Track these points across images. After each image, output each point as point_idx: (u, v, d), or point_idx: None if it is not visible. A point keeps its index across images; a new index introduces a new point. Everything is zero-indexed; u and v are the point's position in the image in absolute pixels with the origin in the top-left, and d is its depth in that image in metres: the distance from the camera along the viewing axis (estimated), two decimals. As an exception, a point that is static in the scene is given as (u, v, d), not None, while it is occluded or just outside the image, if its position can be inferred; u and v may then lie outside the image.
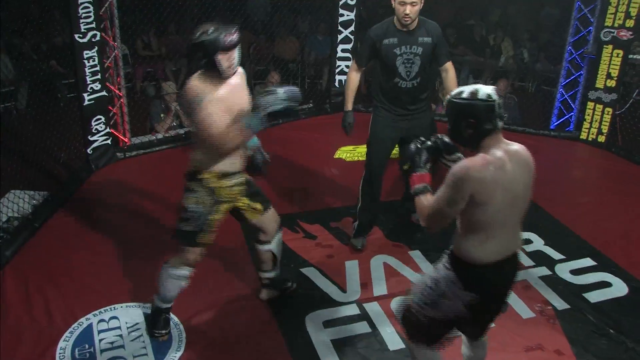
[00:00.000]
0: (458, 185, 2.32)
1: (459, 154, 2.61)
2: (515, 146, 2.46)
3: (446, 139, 2.61)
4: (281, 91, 2.97)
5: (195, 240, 3.19)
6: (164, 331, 3.41)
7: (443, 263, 2.61)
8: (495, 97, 2.38)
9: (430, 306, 2.58)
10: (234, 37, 2.94)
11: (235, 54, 2.99)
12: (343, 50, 7.18)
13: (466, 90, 2.42)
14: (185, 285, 3.32)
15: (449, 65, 4.07)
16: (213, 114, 2.94)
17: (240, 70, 3.17)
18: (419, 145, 2.61)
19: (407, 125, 4.12)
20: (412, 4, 3.76)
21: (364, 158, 4.36)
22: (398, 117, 4.11)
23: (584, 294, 3.89)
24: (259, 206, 3.38)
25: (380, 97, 4.14)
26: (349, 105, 4.19)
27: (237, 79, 3.13)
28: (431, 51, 3.97)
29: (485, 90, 2.40)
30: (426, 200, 2.49)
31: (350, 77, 4.18)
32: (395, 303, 3.71)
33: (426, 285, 2.61)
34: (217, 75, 2.99)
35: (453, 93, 2.48)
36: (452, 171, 2.37)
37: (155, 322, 3.41)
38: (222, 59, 2.94)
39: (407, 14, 3.79)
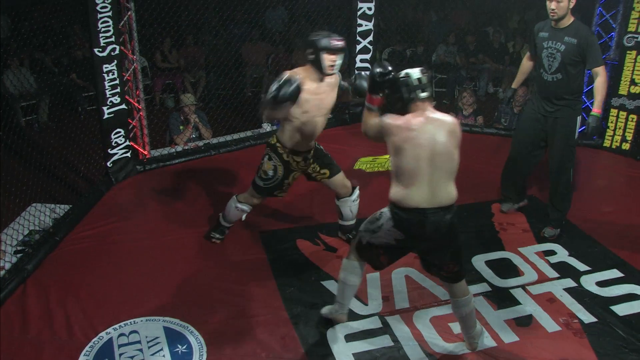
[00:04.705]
0: (381, 126, 3.09)
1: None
2: (439, 115, 3.05)
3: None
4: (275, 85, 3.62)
5: (269, 194, 4.10)
6: (219, 235, 4.45)
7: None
8: (413, 74, 3.02)
9: (371, 232, 3.22)
10: (339, 43, 3.65)
11: (338, 58, 3.68)
12: (362, 60, 7.14)
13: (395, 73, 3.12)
14: (244, 218, 4.33)
15: (598, 70, 4.27)
16: None
17: (337, 74, 3.86)
18: (377, 75, 3.16)
19: (549, 126, 4.49)
20: (557, 0, 4.15)
21: (384, 169, 4.31)
22: (541, 112, 4.49)
23: (611, 307, 3.80)
24: (326, 172, 4.14)
25: (533, 88, 4.70)
26: (514, 84, 4.92)
27: (332, 79, 3.83)
28: (575, 52, 4.24)
29: (407, 70, 3.07)
30: (371, 118, 3.20)
31: (523, 62, 4.83)
32: (417, 316, 3.67)
33: (374, 216, 3.23)
34: (318, 71, 3.70)
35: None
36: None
37: (216, 228, 4.46)
38: (326, 58, 3.63)
39: (552, 10, 4.20)
